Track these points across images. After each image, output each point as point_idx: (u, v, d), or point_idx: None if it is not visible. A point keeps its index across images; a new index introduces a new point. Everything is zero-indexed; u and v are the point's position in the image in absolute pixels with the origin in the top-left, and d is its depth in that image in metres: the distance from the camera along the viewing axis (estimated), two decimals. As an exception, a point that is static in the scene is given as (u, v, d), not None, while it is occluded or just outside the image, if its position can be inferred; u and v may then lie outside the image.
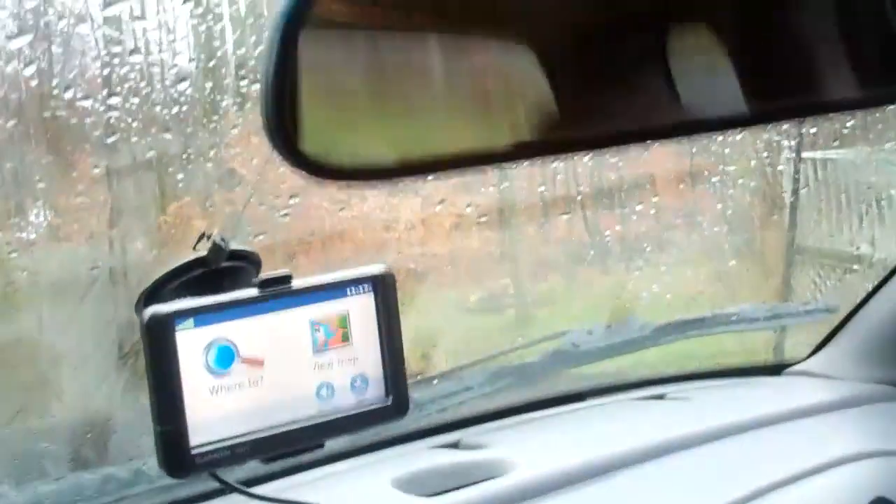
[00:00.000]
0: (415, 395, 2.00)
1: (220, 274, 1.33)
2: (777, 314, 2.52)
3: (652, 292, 2.43)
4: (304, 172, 0.68)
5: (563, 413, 2.15)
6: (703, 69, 0.94)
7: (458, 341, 2.38)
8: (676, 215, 2.50)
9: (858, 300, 2.28)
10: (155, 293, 1.34)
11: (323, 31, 0.69)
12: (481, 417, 2.09)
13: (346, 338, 1.35)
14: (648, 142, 0.88)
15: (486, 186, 2.23)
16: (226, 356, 1.28)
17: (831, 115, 2.32)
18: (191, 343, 1.25)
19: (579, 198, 2.40)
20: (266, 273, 1.32)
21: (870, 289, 2.26)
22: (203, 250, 1.33)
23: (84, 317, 1.69)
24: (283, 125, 0.66)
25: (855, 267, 2.72)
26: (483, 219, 2.27)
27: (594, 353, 2.31)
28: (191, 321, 1.25)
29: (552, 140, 0.83)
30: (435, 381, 2.18)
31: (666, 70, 0.94)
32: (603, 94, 0.87)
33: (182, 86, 1.58)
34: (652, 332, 2.35)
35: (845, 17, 0.99)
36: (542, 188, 2.29)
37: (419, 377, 2.18)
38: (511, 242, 2.51)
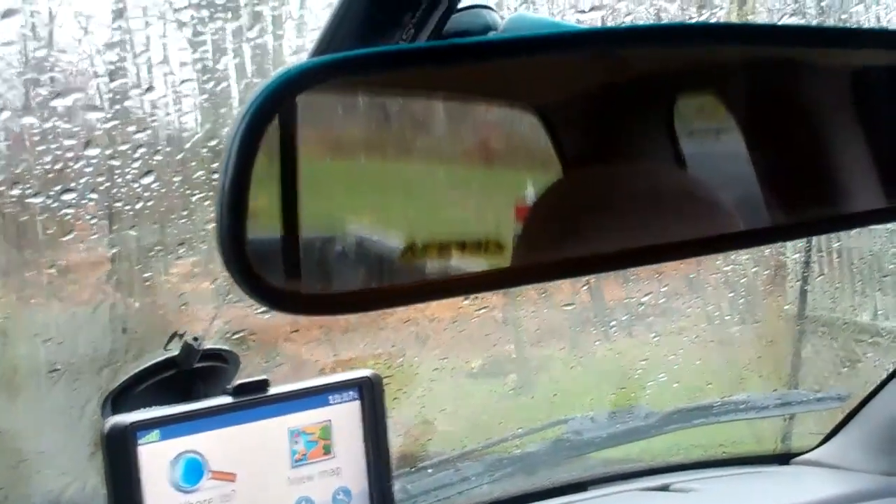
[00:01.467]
0: (409, 486, 1.92)
1: (192, 375, 1.24)
2: (787, 402, 2.41)
3: (659, 381, 2.33)
4: (271, 306, 0.58)
5: (564, 504, 2.03)
6: (725, 182, 0.90)
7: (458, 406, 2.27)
8: (686, 303, 2.42)
9: (871, 388, 2.17)
10: (123, 395, 1.25)
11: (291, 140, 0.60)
12: (479, 510, 1.96)
13: (328, 449, 1.25)
14: (667, 260, 0.79)
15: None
16: (194, 470, 1.17)
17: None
18: (155, 457, 1.14)
19: (585, 287, 2.31)
20: (241, 379, 1.21)
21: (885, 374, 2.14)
22: (176, 350, 1.23)
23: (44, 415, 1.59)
24: (241, 250, 0.56)
25: (878, 340, 2.63)
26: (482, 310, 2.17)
27: (597, 442, 2.20)
28: (156, 433, 1.14)
29: (564, 259, 0.73)
30: (430, 471, 2.06)
31: (685, 184, 0.89)
32: (619, 211, 0.82)
33: (147, 180, 1.49)
34: (657, 420, 2.25)
35: (872, 126, 0.94)
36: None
37: (412, 468, 2.04)
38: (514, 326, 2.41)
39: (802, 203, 0.93)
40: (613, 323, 2.34)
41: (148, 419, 1.14)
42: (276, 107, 0.57)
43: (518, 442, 2.18)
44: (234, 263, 0.56)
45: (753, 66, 0.94)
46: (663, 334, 2.38)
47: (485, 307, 2.15)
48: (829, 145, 0.95)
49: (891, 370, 2.13)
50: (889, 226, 2.50)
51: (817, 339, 2.59)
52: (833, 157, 0.95)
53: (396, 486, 1.36)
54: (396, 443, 1.99)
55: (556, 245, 0.76)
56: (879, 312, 2.68)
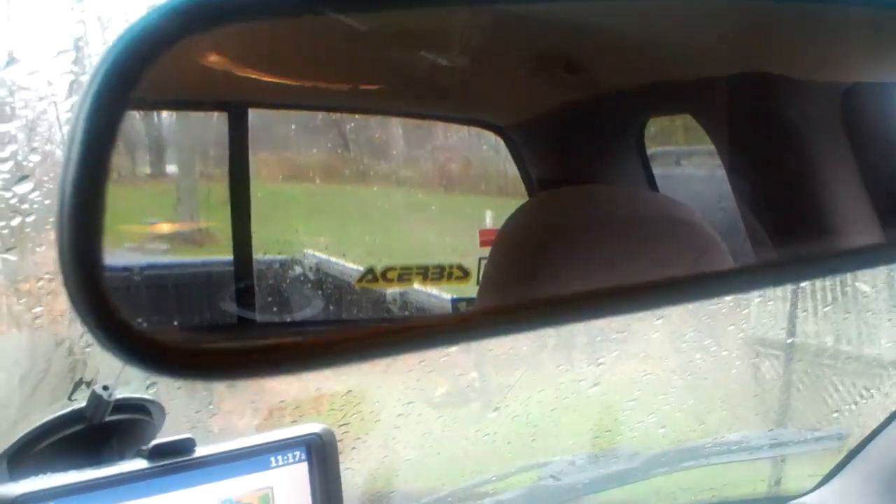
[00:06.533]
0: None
1: (104, 430, 1.02)
2: (782, 442, 2.27)
3: (647, 422, 2.17)
4: (136, 362, 0.38)
5: (540, 561, 1.91)
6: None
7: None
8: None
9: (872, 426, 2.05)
10: (22, 453, 1.03)
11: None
12: (445, 570, 1.85)
13: (268, 521, 1.03)
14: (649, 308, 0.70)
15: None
16: (100, 553, 0.94)
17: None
18: (50, 538, 0.92)
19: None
20: (162, 438, 0.99)
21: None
22: (83, 400, 1.02)
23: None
24: (94, 281, 0.36)
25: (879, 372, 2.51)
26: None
27: (578, 488, 2.03)
28: (51, 507, 0.92)
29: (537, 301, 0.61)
30: (397, 521, 1.92)
31: (663, 205, 0.82)
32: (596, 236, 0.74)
33: (24, 187, 1.25)
34: (643, 463, 2.09)
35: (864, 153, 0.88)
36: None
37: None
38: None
39: (793, 238, 0.87)
40: (601, 361, 2.18)
41: (40, 490, 0.92)
42: (144, 64, 0.37)
43: (491, 488, 2.03)
44: (83, 300, 0.36)
45: (732, 85, 0.88)
46: (653, 372, 2.23)
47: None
48: (819, 174, 0.90)
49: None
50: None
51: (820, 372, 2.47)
52: (823, 187, 0.89)
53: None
54: (355, 495, 1.82)
55: (528, 283, 0.68)
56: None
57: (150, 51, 0.37)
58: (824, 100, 0.90)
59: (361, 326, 0.50)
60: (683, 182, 1.09)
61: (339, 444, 1.12)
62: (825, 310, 2.45)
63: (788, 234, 0.87)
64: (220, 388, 1.60)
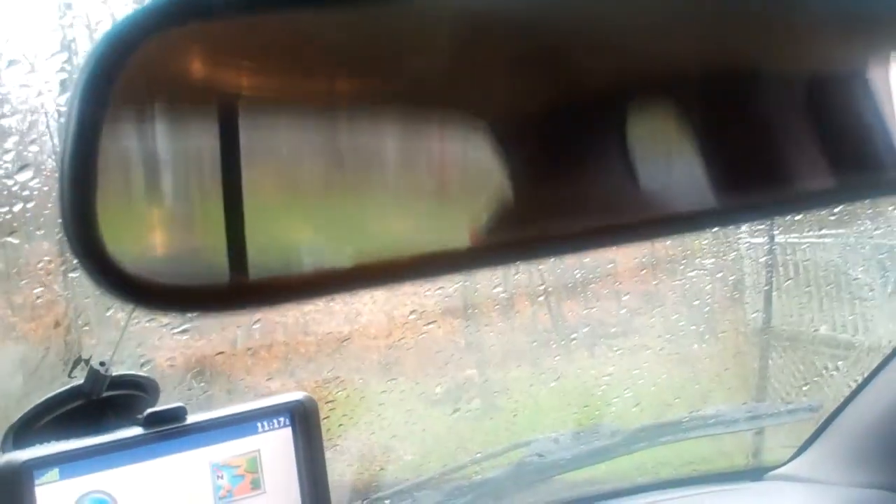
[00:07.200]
0: (362, 519, 1.80)
1: (102, 405, 1.09)
2: (757, 415, 2.33)
3: (623, 397, 2.23)
4: (130, 300, 0.45)
5: (526, 533, 1.93)
6: (671, 161, 0.82)
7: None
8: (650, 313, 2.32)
9: (843, 397, 2.09)
10: (25, 429, 1.10)
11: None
12: (435, 543, 1.87)
13: (256, 484, 1.11)
14: (616, 244, 0.70)
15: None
16: (101, 514, 1.02)
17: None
18: (56, 499, 1.00)
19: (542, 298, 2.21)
20: (156, 407, 1.07)
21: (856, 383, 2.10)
22: (81, 377, 1.09)
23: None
24: (89, 226, 0.43)
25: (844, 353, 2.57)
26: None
27: (561, 464, 2.10)
28: (55, 471, 1.00)
29: (503, 243, 0.64)
30: (386, 502, 1.93)
31: (630, 163, 0.81)
32: (563, 186, 0.76)
33: (24, 175, 1.33)
34: (623, 439, 2.16)
35: (821, 106, 0.86)
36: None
37: (364, 500, 1.91)
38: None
39: (748, 184, 0.86)
40: (574, 337, 2.24)
41: (45, 456, 1.00)
42: (129, 50, 0.45)
43: (478, 467, 2.08)
44: (82, 250, 0.43)
45: (708, 73, 0.86)
46: (625, 349, 2.29)
47: (433, 322, 2.04)
48: (775, 122, 0.89)
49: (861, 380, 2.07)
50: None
51: (784, 352, 2.53)
52: (780, 136, 0.89)
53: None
54: (347, 472, 1.88)
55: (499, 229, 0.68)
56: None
57: (139, 31, 0.45)
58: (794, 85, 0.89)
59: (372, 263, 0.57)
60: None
61: (325, 421, 1.19)
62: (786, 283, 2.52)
63: (747, 180, 0.86)
64: (213, 368, 1.67)
